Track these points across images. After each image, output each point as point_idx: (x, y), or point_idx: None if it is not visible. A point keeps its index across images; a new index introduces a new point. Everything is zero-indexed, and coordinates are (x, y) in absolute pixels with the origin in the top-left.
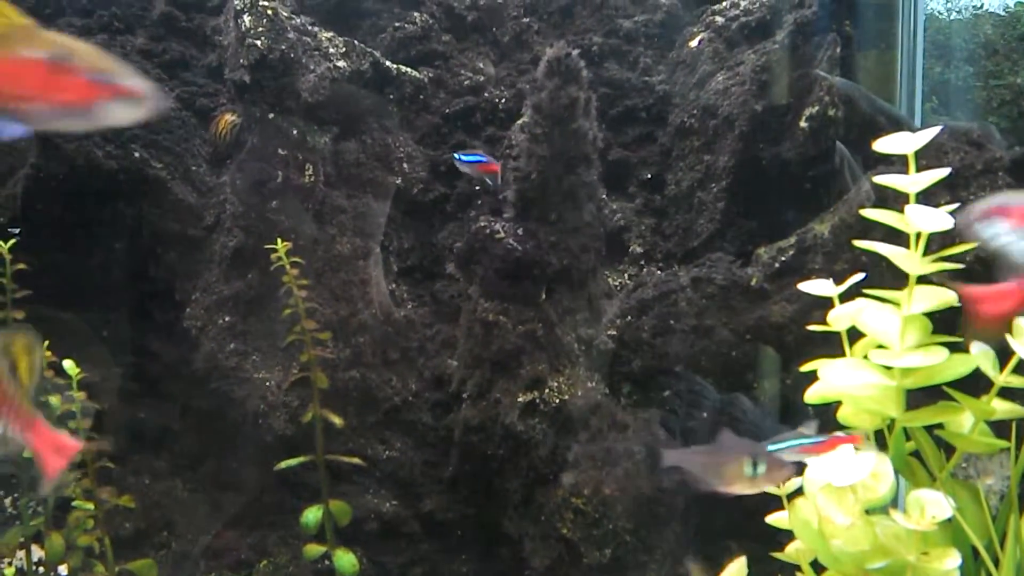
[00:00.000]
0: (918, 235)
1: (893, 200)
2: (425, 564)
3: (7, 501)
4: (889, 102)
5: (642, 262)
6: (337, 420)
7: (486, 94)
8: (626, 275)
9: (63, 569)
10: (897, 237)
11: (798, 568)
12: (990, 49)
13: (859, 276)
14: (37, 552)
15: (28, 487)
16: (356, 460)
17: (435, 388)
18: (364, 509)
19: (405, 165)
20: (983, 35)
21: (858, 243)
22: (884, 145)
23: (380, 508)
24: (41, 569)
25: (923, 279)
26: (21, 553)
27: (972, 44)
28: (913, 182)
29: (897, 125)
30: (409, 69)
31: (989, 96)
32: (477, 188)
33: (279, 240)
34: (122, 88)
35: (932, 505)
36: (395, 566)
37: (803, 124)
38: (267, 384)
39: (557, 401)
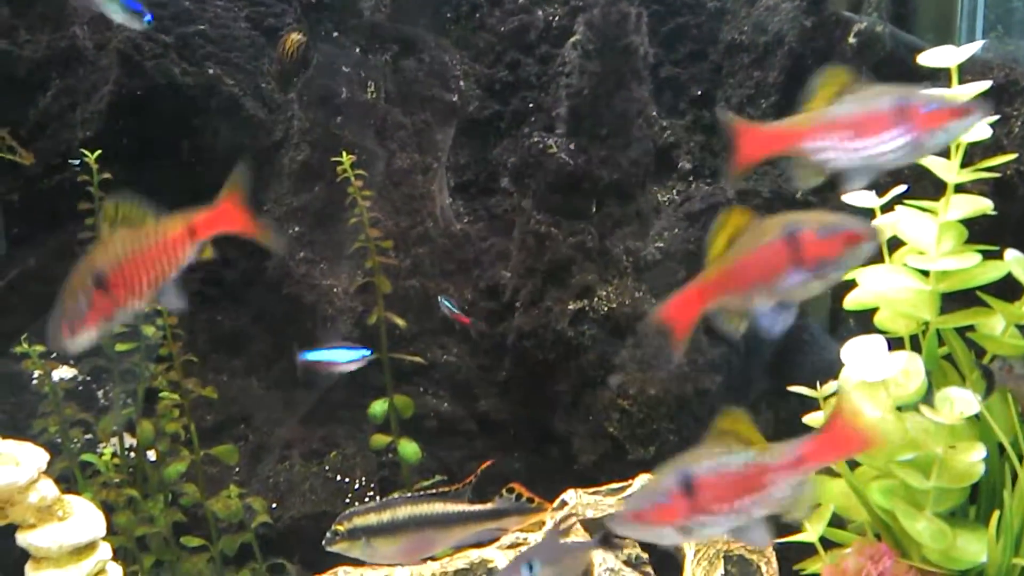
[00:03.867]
0: (957, 146)
1: None
2: (480, 459)
3: (100, 393)
4: (948, 29)
5: (690, 178)
6: (400, 322)
7: (540, 12)
8: (675, 191)
9: (151, 454)
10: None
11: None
12: None
13: (901, 188)
14: (128, 439)
15: (118, 379)
16: (418, 359)
17: (490, 298)
18: (424, 408)
19: (461, 83)
20: None
21: None
22: (928, 58)
23: (439, 407)
24: (132, 454)
25: (960, 188)
26: (115, 439)
27: None
28: (954, 95)
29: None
30: None
31: None
32: (531, 105)
33: (344, 153)
34: None
35: (960, 402)
36: (452, 460)
37: (851, 40)
38: (334, 290)
39: (605, 309)
